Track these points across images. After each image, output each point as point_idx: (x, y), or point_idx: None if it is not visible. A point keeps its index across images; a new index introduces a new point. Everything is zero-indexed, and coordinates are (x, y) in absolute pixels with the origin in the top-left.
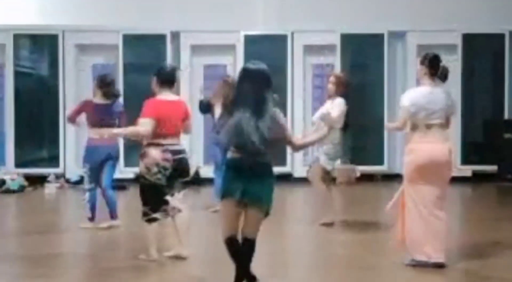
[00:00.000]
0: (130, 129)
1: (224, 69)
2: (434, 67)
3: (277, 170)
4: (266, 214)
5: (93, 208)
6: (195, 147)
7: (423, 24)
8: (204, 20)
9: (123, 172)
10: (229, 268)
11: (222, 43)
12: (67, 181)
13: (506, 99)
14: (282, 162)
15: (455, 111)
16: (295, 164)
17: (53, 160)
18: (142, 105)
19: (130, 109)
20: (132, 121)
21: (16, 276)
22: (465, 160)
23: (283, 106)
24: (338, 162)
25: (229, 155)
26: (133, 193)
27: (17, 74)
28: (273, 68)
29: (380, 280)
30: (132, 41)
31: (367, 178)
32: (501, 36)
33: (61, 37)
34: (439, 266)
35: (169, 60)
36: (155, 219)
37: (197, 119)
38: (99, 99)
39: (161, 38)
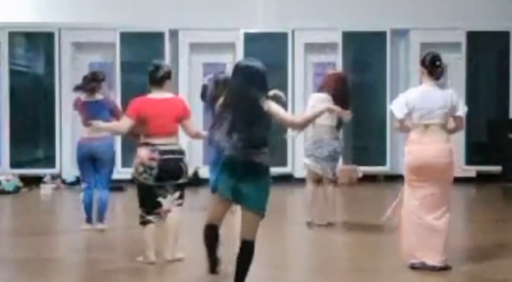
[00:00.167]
0: (111, 125)
1: (223, 67)
2: (432, 66)
3: (277, 170)
4: (262, 215)
5: (87, 209)
6: (194, 147)
7: (426, 21)
8: (203, 17)
9: (121, 172)
10: (228, 269)
11: (222, 41)
12: (63, 181)
13: (510, 98)
14: (283, 163)
15: (463, 112)
16: (296, 164)
17: (49, 160)
18: (136, 104)
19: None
20: None
21: (10, 280)
22: (469, 160)
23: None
24: (326, 162)
25: (225, 153)
26: (131, 194)
27: (13, 73)
28: (274, 67)
29: None
30: (129, 39)
31: (369, 178)
32: (506, 34)
33: (57, 35)
34: (443, 268)
35: (167, 59)
36: (149, 221)
37: (196, 119)
38: (87, 97)
39: (159, 36)
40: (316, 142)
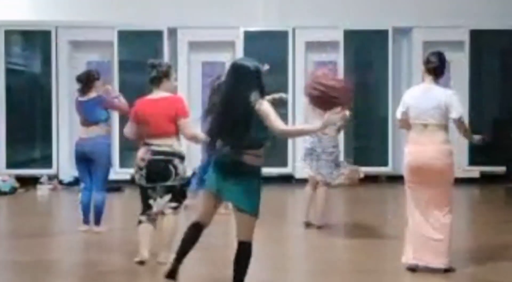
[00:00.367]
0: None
1: (222, 66)
2: (427, 64)
3: (278, 171)
4: (256, 215)
5: (84, 209)
6: (193, 148)
7: (429, 20)
8: (202, 16)
9: (118, 173)
10: (227, 271)
11: (221, 39)
12: (60, 182)
13: None
14: (283, 163)
15: (457, 113)
16: (296, 165)
17: (46, 161)
18: (135, 104)
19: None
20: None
21: None
22: (473, 161)
23: (284, 105)
24: (318, 164)
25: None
26: (129, 195)
27: (9, 72)
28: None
29: None
30: (127, 37)
31: (371, 179)
32: (510, 33)
33: (54, 33)
34: (447, 270)
35: (166, 58)
36: (140, 221)
37: (196, 120)
38: (80, 96)
39: (157, 34)
40: (312, 142)
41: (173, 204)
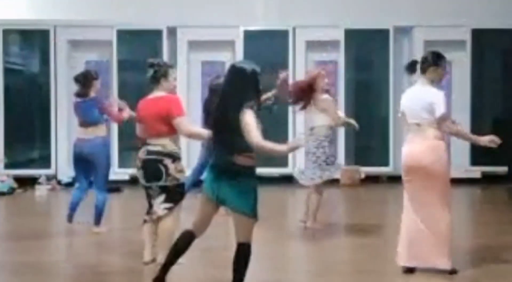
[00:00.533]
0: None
1: (222, 66)
2: (422, 65)
3: (278, 171)
4: (254, 216)
5: (71, 208)
6: (192, 149)
7: (430, 19)
8: (202, 15)
9: (117, 173)
10: (227, 272)
11: (221, 39)
12: (59, 182)
13: None
14: (283, 163)
15: (438, 112)
16: (297, 165)
17: (44, 161)
18: (137, 104)
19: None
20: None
21: None
22: (474, 161)
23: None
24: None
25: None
26: (129, 195)
27: (7, 72)
28: (274, 65)
29: None
30: (126, 37)
31: (372, 179)
32: (511, 32)
33: (53, 32)
34: (452, 272)
35: (165, 57)
36: (145, 221)
37: (196, 118)
38: (77, 97)
39: (157, 33)
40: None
41: (167, 205)
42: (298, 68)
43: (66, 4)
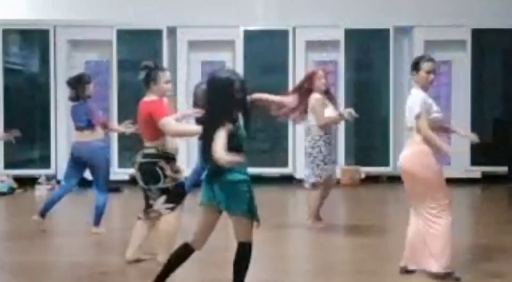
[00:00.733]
0: None
1: (222, 66)
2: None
3: (278, 171)
4: (252, 217)
5: (48, 203)
6: (192, 149)
7: (430, 19)
8: (202, 15)
9: (117, 173)
10: (228, 273)
11: (221, 39)
12: (59, 182)
13: None
14: (284, 163)
15: (415, 115)
16: (297, 165)
17: (44, 161)
18: (137, 104)
19: (124, 108)
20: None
21: None
22: (474, 161)
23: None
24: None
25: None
26: (128, 195)
27: (6, 71)
28: (274, 65)
29: None
30: (126, 36)
31: (372, 179)
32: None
33: (53, 32)
34: (447, 274)
35: (165, 57)
36: (138, 218)
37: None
38: (72, 100)
39: (157, 33)
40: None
41: (169, 205)
42: (298, 68)
43: (66, 4)
